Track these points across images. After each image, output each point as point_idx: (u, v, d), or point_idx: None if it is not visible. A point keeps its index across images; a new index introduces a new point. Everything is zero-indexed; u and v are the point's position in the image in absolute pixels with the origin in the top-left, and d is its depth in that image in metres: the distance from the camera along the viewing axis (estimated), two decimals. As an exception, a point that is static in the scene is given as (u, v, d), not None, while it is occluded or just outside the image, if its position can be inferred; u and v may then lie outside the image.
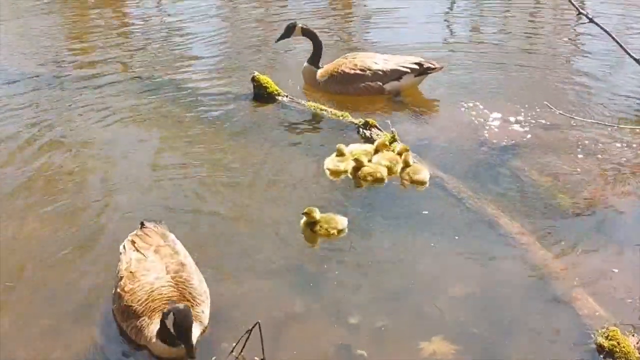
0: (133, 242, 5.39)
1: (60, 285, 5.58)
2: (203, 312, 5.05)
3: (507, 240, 6.04)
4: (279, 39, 9.35)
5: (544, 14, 12.95)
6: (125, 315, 4.98)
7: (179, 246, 5.47)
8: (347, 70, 8.85)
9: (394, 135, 7.49)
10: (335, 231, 6.12)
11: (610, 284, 5.57)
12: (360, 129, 7.88)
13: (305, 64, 9.21)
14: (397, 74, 8.79)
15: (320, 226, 6.12)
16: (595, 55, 10.36)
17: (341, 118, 8.18)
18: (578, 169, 7.18)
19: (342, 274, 5.70)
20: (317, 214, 6.14)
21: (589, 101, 8.80)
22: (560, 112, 6.71)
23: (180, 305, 4.67)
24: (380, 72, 8.78)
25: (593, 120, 7.76)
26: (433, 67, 8.81)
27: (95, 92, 9.26)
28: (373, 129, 7.81)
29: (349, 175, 7.10)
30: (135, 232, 5.54)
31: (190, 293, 5.03)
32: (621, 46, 5.81)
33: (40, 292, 5.52)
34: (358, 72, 8.81)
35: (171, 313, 4.58)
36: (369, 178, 6.97)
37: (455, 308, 5.32)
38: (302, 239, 6.15)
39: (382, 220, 6.42)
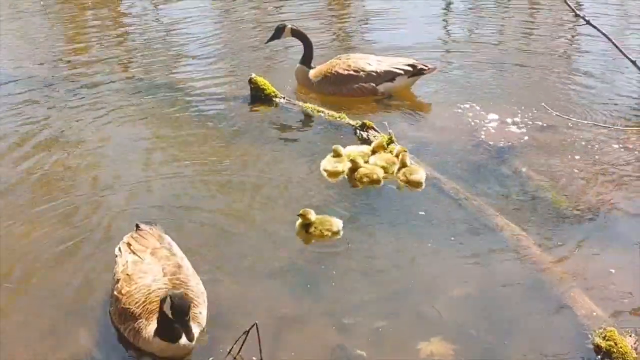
0: (129, 245, 5.39)
1: (59, 286, 5.57)
2: (201, 313, 5.05)
3: (504, 240, 6.05)
4: (269, 40, 9.40)
5: (541, 14, 12.97)
6: (122, 317, 4.97)
7: (175, 248, 5.48)
8: (340, 71, 8.87)
9: (391, 137, 7.49)
10: (329, 233, 6.11)
11: (608, 284, 5.58)
12: (357, 131, 7.89)
13: (298, 64, 9.23)
14: (390, 75, 8.82)
15: (315, 227, 6.12)
16: (593, 55, 10.39)
17: (338, 119, 8.19)
18: (575, 170, 7.19)
19: (340, 274, 5.70)
20: (312, 216, 6.14)
21: (586, 102, 8.80)
22: (557, 113, 6.72)
23: (177, 291, 4.71)
24: (374, 73, 8.81)
25: (590, 122, 7.77)
26: (426, 68, 8.84)
27: (91, 92, 9.26)
28: (370, 131, 7.81)
29: (346, 176, 7.10)
30: (130, 234, 5.54)
31: (187, 294, 5.02)
32: (618, 48, 5.80)
33: (39, 293, 5.51)
34: (352, 73, 8.83)
35: (168, 297, 4.60)
36: (365, 179, 6.98)
37: (453, 309, 5.33)
38: (299, 240, 6.15)
39: (380, 221, 6.42)
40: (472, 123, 8.20)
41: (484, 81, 9.56)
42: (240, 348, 4.79)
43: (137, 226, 5.60)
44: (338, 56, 9.22)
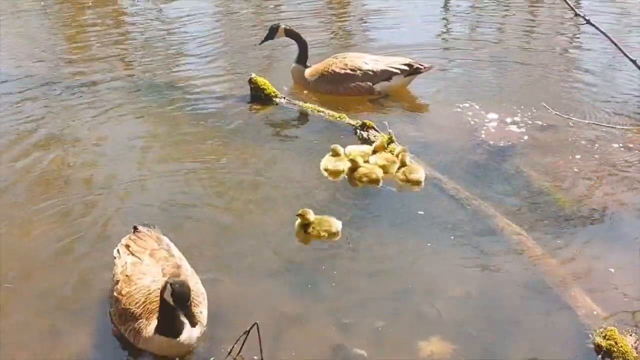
0: (127, 247, 5.39)
1: (58, 285, 5.57)
2: (201, 312, 5.05)
3: (504, 240, 6.05)
4: (263, 41, 9.42)
5: (542, 12, 12.97)
6: (123, 318, 4.97)
7: (174, 249, 5.49)
8: (337, 70, 8.88)
9: (391, 137, 7.49)
10: (325, 234, 6.10)
11: (608, 283, 5.58)
12: (358, 131, 7.89)
13: (293, 64, 9.25)
14: (387, 75, 8.83)
15: (313, 228, 6.12)
16: (593, 54, 10.39)
17: (338, 119, 8.18)
18: (576, 170, 7.19)
19: (340, 274, 5.70)
20: (311, 216, 6.14)
21: (587, 101, 8.81)
22: (557, 112, 6.72)
23: (176, 278, 4.72)
24: (371, 72, 8.82)
25: (591, 121, 7.77)
26: (422, 67, 8.85)
27: (90, 90, 9.25)
28: (370, 130, 7.81)
29: (346, 175, 7.10)
30: (128, 236, 5.54)
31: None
32: (618, 47, 5.79)
33: (39, 292, 5.51)
34: (348, 72, 8.85)
35: (168, 285, 4.60)
36: (364, 179, 6.98)
37: (453, 308, 5.33)
38: (299, 240, 6.14)
39: (380, 221, 6.42)
40: (472, 122, 8.20)
41: (484, 80, 9.56)
42: (241, 348, 4.79)
43: (135, 228, 5.60)
44: (334, 55, 9.24)
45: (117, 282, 5.13)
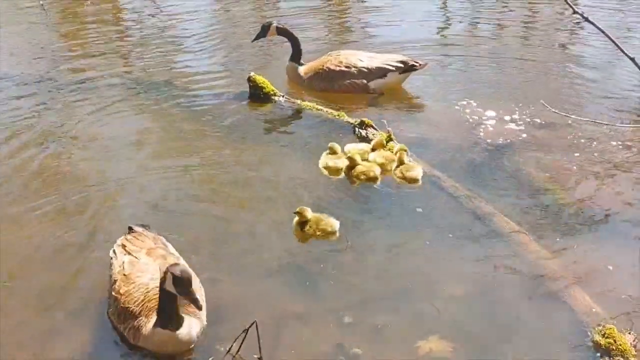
0: (123, 246, 5.38)
1: (57, 285, 5.56)
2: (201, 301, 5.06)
3: (503, 238, 6.06)
4: (255, 39, 9.43)
5: (541, 9, 12.94)
6: (122, 317, 4.97)
7: (170, 248, 5.49)
8: (332, 67, 8.89)
9: (390, 135, 7.49)
10: (320, 233, 6.09)
11: (607, 281, 5.59)
12: (356, 129, 7.88)
13: (288, 62, 9.25)
14: (381, 72, 8.85)
15: (310, 226, 6.11)
16: (592, 52, 10.37)
17: (337, 118, 8.18)
18: (574, 167, 7.19)
19: (339, 273, 5.70)
20: (309, 213, 6.13)
21: (586, 99, 8.82)
22: (555, 110, 6.72)
23: (174, 265, 4.71)
24: (365, 70, 8.83)
25: (589, 119, 7.75)
26: (417, 64, 8.85)
27: (87, 87, 9.24)
28: (369, 129, 7.81)
29: (344, 173, 7.10)
30: (124, 236, 5.53)
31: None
32: (616, 45, 5.80)
33: (38, 292, 5.50)
34: (343, 69, 8.86)
35: (168, 273, 4.60)
36: (362, 177, 6.98)
37: (451, 307, 5.33)
38: (298, 238, 6.14)
39: (378, 219, 6.43)
40: (471, 120, 8.20)
41: (483, 77, 9.55)
42: (240, 346, 4.79)
43: (130, 228, 5.60)
44: (329, 53, 9.25)
45: (115, 281, 5.12)
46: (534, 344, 5.01)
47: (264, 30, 9.26)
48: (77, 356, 4.93)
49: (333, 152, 7.22)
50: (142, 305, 4.93)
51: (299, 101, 8.68)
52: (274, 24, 9.22)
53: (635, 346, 4.88)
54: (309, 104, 8.55)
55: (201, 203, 6.70)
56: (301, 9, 12.44)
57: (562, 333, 5.10)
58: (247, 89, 8.82)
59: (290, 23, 10.10)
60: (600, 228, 6.29)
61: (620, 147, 7.55)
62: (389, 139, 7.46)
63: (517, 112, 8.29)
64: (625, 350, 4.81)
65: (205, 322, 5.04)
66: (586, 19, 5.73)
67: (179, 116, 8.45)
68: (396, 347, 4.98)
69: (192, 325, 4.86)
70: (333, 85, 8.92)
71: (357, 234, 6.18)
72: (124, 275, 5.11)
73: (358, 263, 5.84)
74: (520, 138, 7.82)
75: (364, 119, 7.88)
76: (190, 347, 4.89)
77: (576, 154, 7.42)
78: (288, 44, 9.31)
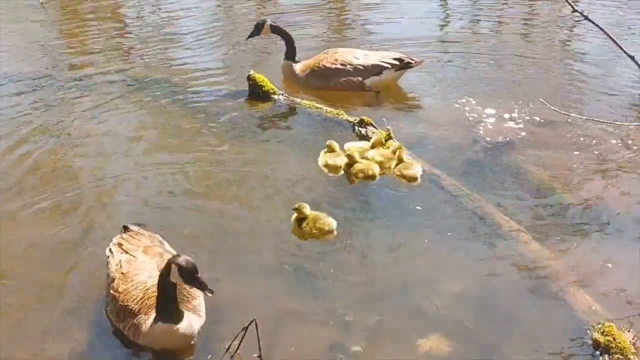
0: (120, 245, 5.38)
1: (54, 283, 5.55)
2: (200, 304, 5.08)
3: (502, 236, 6.05)
4: (249, 37, 9.43)
5: (540, 6, 12.92)
6: (121, 315, 4.97)
7: (167, 246, 5.49)
8: (328, 65, 8.88)
9: (390, 133, 7.48)
10: (317, 231, 6.08)
11: (606, 279, 5.59)
12: (356, 127, 7.88)
13: (283, 60, 9.23)
14: (377, 69, 8.84)
15: (307, 224, 6.11)
16: (592, 50, 10.33)
17: (337, 116, 8.17)
18: (574, 166, 7.19)
19: (338, 271, 5.69)
20: (308, 210, 6.13)
21: (585, 97, 8.80)
22: (555, 108, 6.71)
23: (178, 256, 4.71)
24: (361, 67, 8.83)
25: (589, 117, 7.75)
26: (413, 62, 8.85)
27: (86, 84, 9.23)
28: (368, 127, 7.81)
29: (343, 171, 7.10)
30: (120, 235, 5.53)
31: (185, 288, 5.02)
32: (616, 43, 5.80)
33: (36, 291, 5.49)
34: (339, 66, 8.85)
35: (172, 265, 4.60)
36: (361, 175, 6.98)
37: (451, 305, 5.33)
38: (297, 236, 6.14)
39: (377, 217, 6.43)
40: (470, 118, 8.19)
41: (482, 75, 9.53)
42: (239, 344, 4.79)
43: (126, 227, 5.59)
44: (325, 51, 9.25)
45: (113, 280, 5.12)
46: (533, 341, 5.01)
47: (258, 29, 9.25)
48: (76, 354, 4.93)
49: (331, 150, 7.22)
50: (141, 303, 4.93)
51: (297, 99, 8.66)
52: (268, 22, 9.21)
53: (634, 344, 4.88)
54: (307, 102, 8.54)
55: (201, 201, 6.69)
56: (300, 6, 12.41)
57: (561, 331, 5.10)
58: (246, 87, 8.80)
59: (289, 20, 10.11)
60: (600, 225, 6.26)
61: (620, 145, 7.54)
62: (389, 137, 7.45)
63: (516, 110, 8.28)
64: (624, 348, 4.81)
65: (204, 318, 5.04)
66: (586, 17, 5.73)
67: (178, 113, 8.44)
68: (396, 345, 4.98)
69: (192, 320, 4.87)
70: (329, 83, 8.91)
71: (355, 232, 6.18)
72: (122, 273, 5.11)
73: (357, 261, 5.84)
74: (519, 136, 7.81)
75: (363, 117, 7.88)
76: (191, 342, 4.89)
77: (576, 152, 7.41)
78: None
